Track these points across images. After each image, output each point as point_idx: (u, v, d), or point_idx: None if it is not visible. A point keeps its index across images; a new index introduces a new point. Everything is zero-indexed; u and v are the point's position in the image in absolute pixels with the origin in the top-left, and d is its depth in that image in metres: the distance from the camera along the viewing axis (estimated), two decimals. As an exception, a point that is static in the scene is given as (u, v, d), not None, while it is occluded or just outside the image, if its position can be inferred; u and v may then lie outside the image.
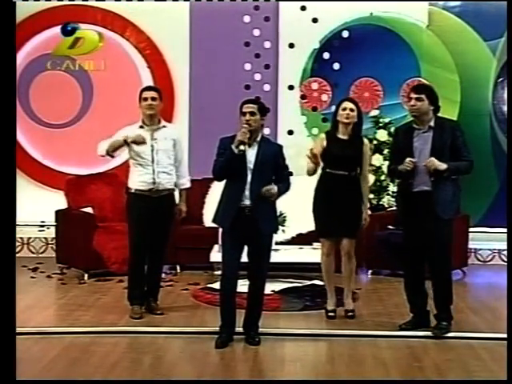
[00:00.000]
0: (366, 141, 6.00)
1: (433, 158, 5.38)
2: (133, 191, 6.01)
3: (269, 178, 5.26)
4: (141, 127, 5.99)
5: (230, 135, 5.31)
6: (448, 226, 5.50)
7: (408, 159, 5.43)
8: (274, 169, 5.30)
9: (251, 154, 5.24)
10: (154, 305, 6.13)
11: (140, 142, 5.87)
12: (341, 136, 5.89)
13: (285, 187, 5.33)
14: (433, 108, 5.48)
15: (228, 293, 5.34)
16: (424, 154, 5.45)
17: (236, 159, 5.17)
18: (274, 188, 5.22)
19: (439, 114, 5.57)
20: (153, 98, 5.97)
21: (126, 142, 5.89)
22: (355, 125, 5.88)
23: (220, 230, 5.62)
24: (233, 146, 5.16)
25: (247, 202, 5.21)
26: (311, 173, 5.89)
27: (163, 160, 5.98)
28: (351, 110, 5.83)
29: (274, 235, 5.58)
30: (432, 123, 5.48)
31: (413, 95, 5.49)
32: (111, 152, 5.94)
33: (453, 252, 5.81)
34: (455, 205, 5.59)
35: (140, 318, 5.96)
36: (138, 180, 5.98)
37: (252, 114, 5.24)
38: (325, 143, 5.89)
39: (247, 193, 5.20)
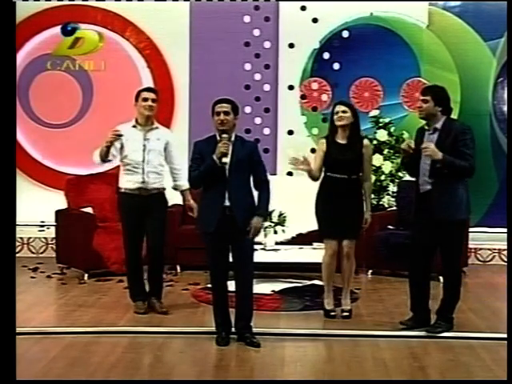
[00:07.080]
0: (366, 142, 5.99)
1: (431, 144, 5.34)
2: (123, 191, 6.07)
3: (246, 176, 5.24)
4: (134, 126, 6.03)
5: (205, 138, 5.31)
6: (451, 227, 5.43)
7: (406, 141, 5.62)
8: (251, 167, 5.26)
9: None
10: (157, 304, 6.12)
11: (113, 140, 5.83)
12: (339, 140, 5.90)
13: (266, 198, 5.24)
14: (441, 109, 5.44)
15: (220, 293, 5.35)
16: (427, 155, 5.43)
17: (216, 169, 5.15)
18: (257, 226, 5.16)
19: None
20: (153, 100, 6.01)
21: (109, 144, 5.85)
22: (352, 127, 5.89)
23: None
24: (214, 157, 5.13)
25: (227, 203, 5.19)
26: (315, 178, 5.89)
27: (154, 160, 6.02)
28: (343, 111, 5.83)
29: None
30: (439, 125, 5.44)
31: (420, 97, 5.51)
32: (104, 157, 5.95)
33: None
34: (459, 206, 5.44)
35: (144, 313, 6.01)
36: (127, 180, 6.03)
37: (226, 113, 5.21)
38: (325, 147, 5.92)
39: (226, 194, 5.19)
